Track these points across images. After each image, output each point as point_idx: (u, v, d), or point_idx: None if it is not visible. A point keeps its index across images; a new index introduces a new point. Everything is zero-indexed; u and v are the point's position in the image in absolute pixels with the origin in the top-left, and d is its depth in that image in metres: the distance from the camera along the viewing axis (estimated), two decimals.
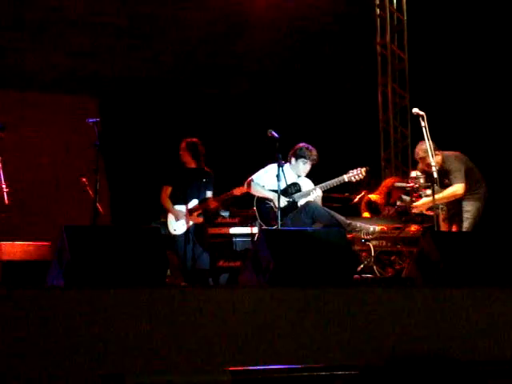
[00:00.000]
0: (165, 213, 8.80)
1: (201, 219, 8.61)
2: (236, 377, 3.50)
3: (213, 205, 8.60)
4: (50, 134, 11.02)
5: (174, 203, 8.62)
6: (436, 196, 7.76)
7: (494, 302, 5.34)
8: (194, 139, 8.73)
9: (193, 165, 8.72)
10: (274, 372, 3.78)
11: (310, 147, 8.29)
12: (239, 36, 11.38)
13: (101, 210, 8.54)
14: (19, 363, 4.26)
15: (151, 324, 4.58)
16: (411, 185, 8.14)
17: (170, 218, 8.62)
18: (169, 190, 8.69)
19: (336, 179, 8.12)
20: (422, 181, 8.09)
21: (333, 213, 7.93)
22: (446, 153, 8.25)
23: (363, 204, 9.31)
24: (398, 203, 7.98)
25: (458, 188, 8.09)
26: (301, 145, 8.32)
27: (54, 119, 11.12)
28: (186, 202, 8.57)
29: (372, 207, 9.24)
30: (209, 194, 8.68)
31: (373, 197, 9.35)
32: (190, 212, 8.54)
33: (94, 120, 7.90)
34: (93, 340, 4.41)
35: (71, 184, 9.93)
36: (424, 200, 8.07)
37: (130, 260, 5.36)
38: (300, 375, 3.54)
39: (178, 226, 8.56)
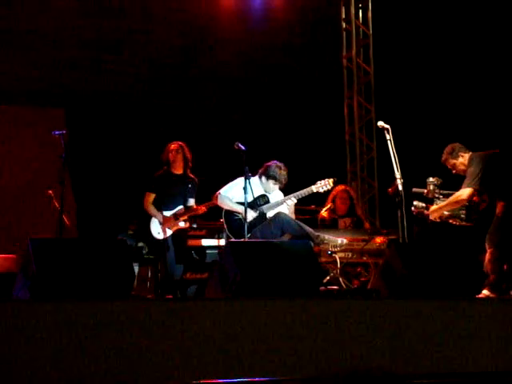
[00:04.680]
0: (134, 223, 8.76)
1: (186, 225, 8.55)
2: None
3: (201, 210, 8.57)
4: (16, 146, 10.96)
5: (159, 210, 8.55)
6: (441, 203, 7.71)
7: (457, 313, 5.38)
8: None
9: (179, 169, 8.67)
10: None
11: (282, 166, 8.25)
12: (206, 49, 11.42)
13: (67, 222, 8.52)
14: None
15: (116, 337, 4.57)
16: (426, 190, 7.82)
17: (154, 222, 8.55)
18: (152, 196, 8.61)
19: (304, 190, 8.14)
20: (431, 187, 7.86)
21: (302, 225, 7.96)
22: (476, 153, 7.65)
23: (318, 222, 9.35)
24: (412, 208, 7.83)
25: (461, 193, 7.48)
26: (272, 163, 8.28)
27: (20, 131, 11.06)
28: (170, 208, 8.52)
29: (326, 224, 9.29)
30: (191, 201, 8.62)
31: (323, 213, 9.41)
32: (175, 217, 8.49)
33: (60, 132, 7.87)
34: (57, 352, 4.39)
35: (37, 196, 9.88)
36: (433, 206, 7.74)
37: (96, 272, 5.34)
38: None
39: (162, 230, 8.50)
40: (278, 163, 8.26)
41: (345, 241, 8.13)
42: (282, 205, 8.13)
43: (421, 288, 5.78)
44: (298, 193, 8.15)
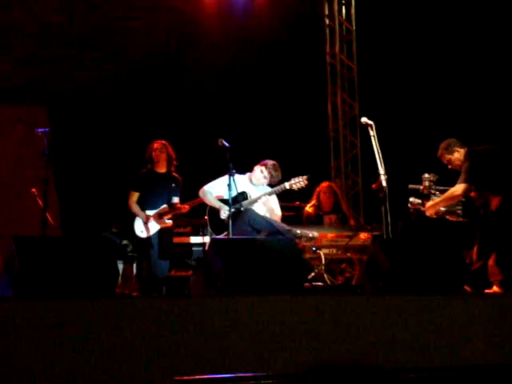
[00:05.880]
0: (118, 221, 8.74)
1: (170, 223, 8.53)
2: None
3: (184, 209, 8.56)
4: None
5: (143, 208, 8.53)
6: (437, 199, 7.70)
7: (441, 309, 5.40)
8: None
9: (163, 168, 8.65)
10: (219, 381, 3.79)
11: (279, 168, 8.29)
12: (189, 46, 11.39)
13: (50, 220, 8.48)
14: None
15: (99, 335, 4.55)
16: (422, 187, 7.79)
17: (138, 221, 8.53)
18: (136, 195, 8.59)
19: (278, 187, 8.14)
20: (427, 183, 7.81)
21: (271, 220, 7.95)
22: (472, 149, 7.59)
23: (304, 218, 9.36)
24: (409, 205, 7.81)
25: (456, 189, 7.41)
26: (272, 161, 8.30)
27: (2, 129, 11.01)
28: (154, 207, 8.50)
29: (312, 220, 9.29)
30: (176, 199, 8.59)
31: (308, 209, 9.42)
32: (159, 216, 8.47)
33: (44, 130, 7.84)
34: (41, 350, 4.38)
35: (21, 194, 9.84)
36: (429, 202, 7.69)
37: (80, 270, 5.32)
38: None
39: (145, 229, 8.49)
40: (277, 164, 8.28)
41: (316, 234, 8.14)
42: (257, 202, 8.13)
43: (405, 283, 5.79)
44: (271, 190, 8.16)
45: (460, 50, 11.26)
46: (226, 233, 7.72)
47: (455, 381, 4.41)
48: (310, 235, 8.03)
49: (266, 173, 8.23)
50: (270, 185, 8.26)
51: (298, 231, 7.96)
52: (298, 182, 8.12)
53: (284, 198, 8.63)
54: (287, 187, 8.11)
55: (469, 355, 5.19)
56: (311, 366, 4.66)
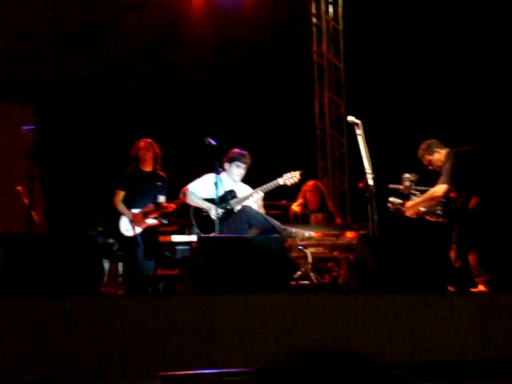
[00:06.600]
0: (104, 219, 8.71)
1: (156, 222, 8.50)
2: (167, 382, 3.50)
3: (171, 208, 8.53)
4: None
5: (129, 207, 8.50)
6: (417, 199, 7.69)
7: (426, 308, 5.42)
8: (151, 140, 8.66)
9: (149, 167, 8.62)
10: (205, 376, 3.79)
11: (244, 152, 8.30)
12: (175, 43, 11.38)
13: (36, 218, 8.45)
14: None
15: (84, 333, 4.54)
16: (403, 187, 7.78)
17: (124, 219, 8.49)
18: (121, 193, 8.54)
19: (271, 183, 8.14)
20: (407, 183, 7.80)
21: (269, 218, 7.96)
22: (452, 150, 7.63)
23: (291, 217, 9.35)
24: (389, 205, 7.79)
25: (436, 189, 7.45)
26: (234, 150, 8.33)
27: None
28: (140, 206, 8.47)
29: (299, 219, 9.29)
30: (161, 198, 8.55)
31: (295, 208, 9.41)
32: (144, 215, 8.43)
33: (29, 127, 7.81)
34: (22, 348, 4.36)
35: (6, 192, 9.80)
36: (409, 203, 7.69)
37: (65, 268, 5.30)
38: (233, 379, 3.56)
39: (131, 227, 8.45)
40: (240, 150, 8.29)
41: (312, 234, 8.13)
42: (249, 199, 8.13)
43: (391, 282, 5.80)
44: (264, 186, 8.16)
45: (447, 49, 11.29)
46: (219, 230, 7.70)
47: (441, 376, 4.43)
48: (307, 235, 8.02)
49: (242, 166, 8.24)
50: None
51: (294, 230, 7.96)
52: (291, 178, 8.13)
53: (270, 196, 8.62)
54: (280, 183, 8.12)
55: (454, 351, 5.22)
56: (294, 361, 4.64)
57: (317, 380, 1.31)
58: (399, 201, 7.75)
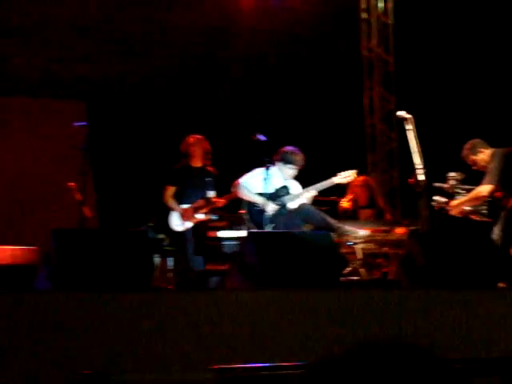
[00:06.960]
0: (155, 215, 8.78)
1: (206, 218, 8.54)
2: (220, 374, 3.53)
3: (221, 203, 8.56)
4: (37, 139, 11.00)
5: (179, 202, 8.55)
6: (462, 198, 7.65)
7: (476, 303, 5.38)
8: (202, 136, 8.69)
9: (199, 162, 8.66)
10: (257, 370, 3.81)
11: (296, 151, 8.26)
12: (226, 40, 11.41)
13: (88, 213, 8.55)
14: (10, 364, 4.28)
15: (137, 326, 4.59)
16: (447, 185, 7.74)
17: (174, 215, 8.54)
18: (172, 189, 8.59)
19: (326, 182, 8.15)
20: (452, 182, 7.76)
21: (325, 216, 7.96)
22: (498, 150, 7.56)
23: (340, 213, 9.31)
24: (434, 204, 7.74)
25: (482, 189, 7.38)
26: (287, 149, 8.28)
27: (41, 124, 11.10)
28: (190, 201, 8.52)
29: (348, 215, 9.25)
30: (211, 193, 8.59)
31: (344, 204, 9.36)
32: (194, 210, 8.48)
33: (82, 124, 7.89)
34: (78, 341, 4.43)
35: (59, 188, 9.92)
36: (454, 201, 7.63)
37: (117, 263, 5.37)
38: (284, 373, 3.57)
39: (180, 222, 8.53)
40: (292, 148, 8.27)
41: (367, 232, 8.11)
42: (306, 195, 8.14)
43: (441, 278, 5.77)
44: (318, 184, 8.16)
45: (498, 45, 11.15)
46: (273, 225, 7.73)
47: (492, 371, 4.40)
48: (361, 233, 8.01)
49: (296, 167, 8.22)
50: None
51: (348, 228, 7.94)
52: (346, 177, 8.12)
53: (319, 192, 8.61)
54: (335, 182, 8.13)
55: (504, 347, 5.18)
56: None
57: (382, 371, 1.30)
58: (444, 199, 7.69)
